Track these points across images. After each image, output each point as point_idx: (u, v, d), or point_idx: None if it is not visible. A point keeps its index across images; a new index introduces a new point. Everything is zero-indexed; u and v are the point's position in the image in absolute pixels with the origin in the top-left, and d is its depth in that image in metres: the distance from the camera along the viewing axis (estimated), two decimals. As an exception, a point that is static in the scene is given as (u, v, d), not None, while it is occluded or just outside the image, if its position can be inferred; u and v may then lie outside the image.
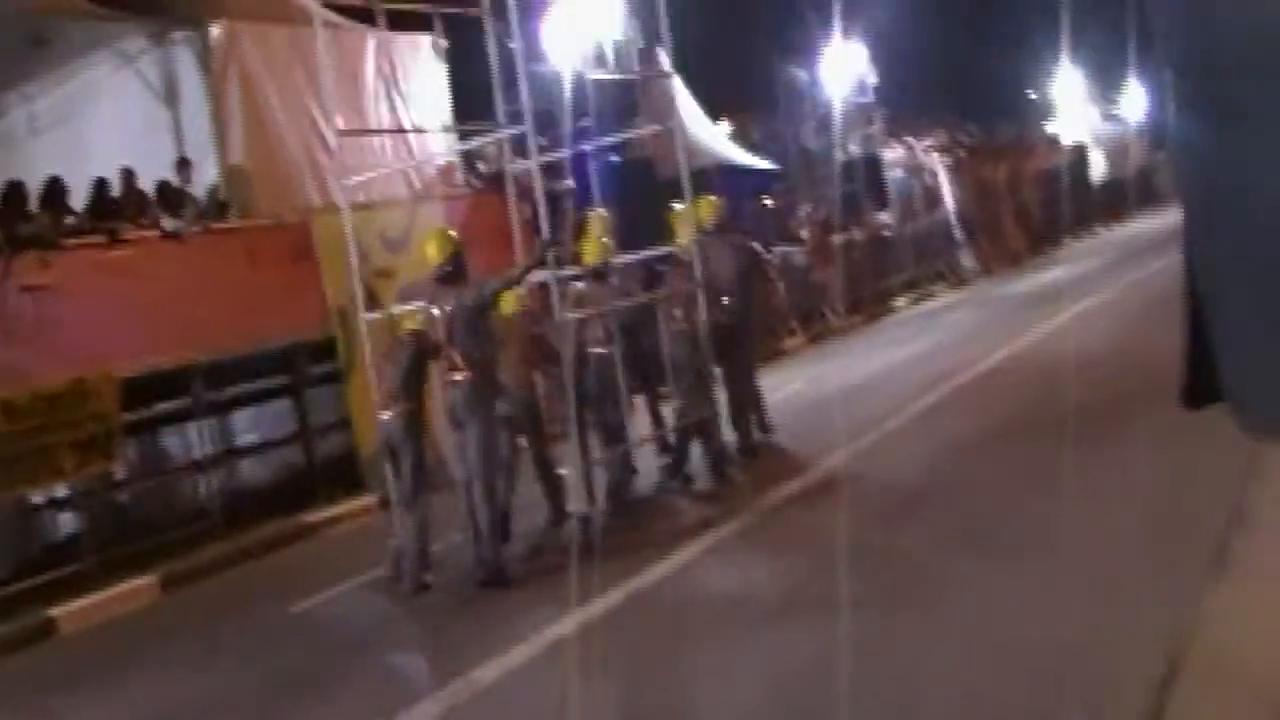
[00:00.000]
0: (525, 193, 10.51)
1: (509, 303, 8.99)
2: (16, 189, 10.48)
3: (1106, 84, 36.90)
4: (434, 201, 13.35)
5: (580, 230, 10.54)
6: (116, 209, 11.02)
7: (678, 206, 10.48)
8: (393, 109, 13.85)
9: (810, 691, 5.32)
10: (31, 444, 9.10)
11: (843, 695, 4.96)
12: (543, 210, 9.62)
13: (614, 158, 16.47)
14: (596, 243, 9.74)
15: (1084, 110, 35.26)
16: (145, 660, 7.99)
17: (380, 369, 8.70)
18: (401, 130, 13.69)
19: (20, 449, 9.04)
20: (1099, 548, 6.08)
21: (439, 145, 14.25)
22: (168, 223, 10.99)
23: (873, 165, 23.74)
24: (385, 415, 8.30)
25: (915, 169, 25.31)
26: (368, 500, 11.17)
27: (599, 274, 9.57)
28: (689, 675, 5.91)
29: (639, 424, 10.79)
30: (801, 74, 22.83)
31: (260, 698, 6.90)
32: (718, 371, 10.28)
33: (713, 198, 11.02)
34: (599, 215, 10.37)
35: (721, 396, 10.36)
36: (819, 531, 7.75)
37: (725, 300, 10.26)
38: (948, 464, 8.89)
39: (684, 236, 10.26)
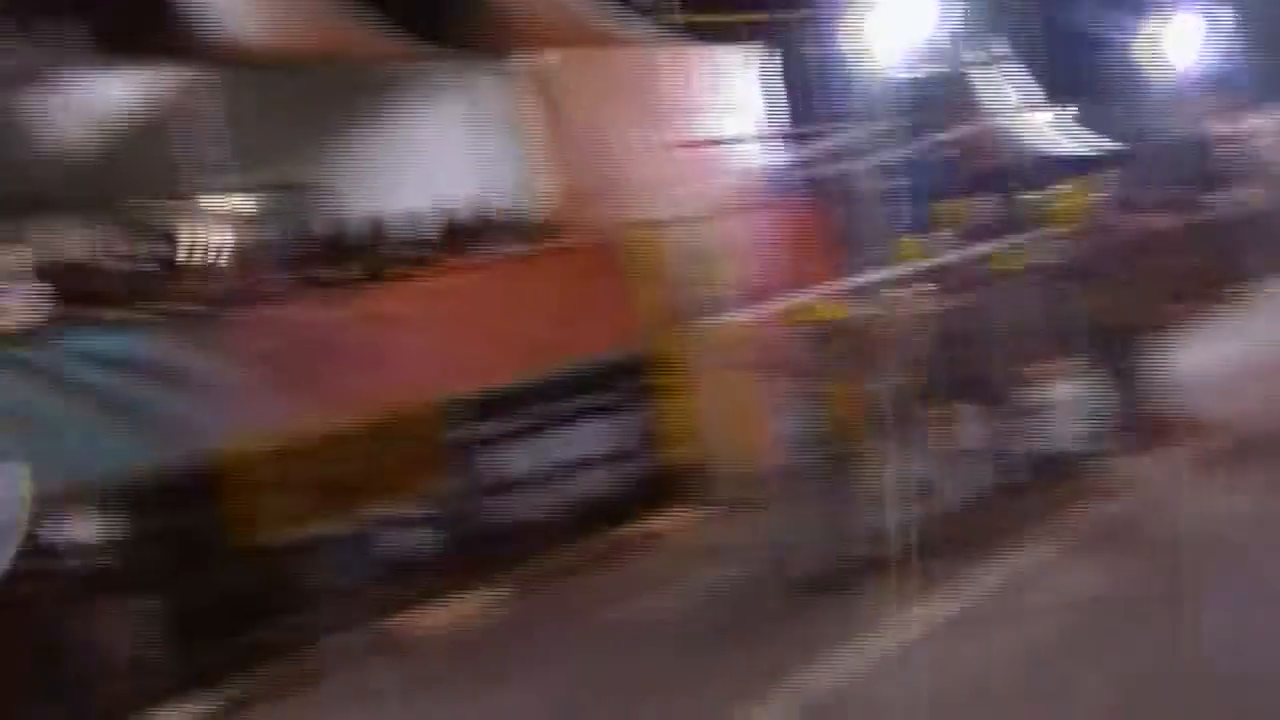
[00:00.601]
0: (841, 197, 10.30)
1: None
2: (362, 224, 11.22)
3: None
4: (747, 213, 13.29)
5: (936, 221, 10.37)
6: (445, 238, 11.55)
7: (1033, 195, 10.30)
8: (709, 122, 13.89)
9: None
10: (373, 464, 9.64)
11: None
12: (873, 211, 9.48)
13: (932, 154, 16.02)
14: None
15: None
16: (491, 669, 8.36)
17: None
18: (719, 142, 13.70)
19: (363, 469, 9.59)
20: None
21: (754, 156, 14.18)
22: (493, 247, 11.42)
23: (1211, 145, 22.10)
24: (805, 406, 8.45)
25: (1266, 146, 23.39)
26: (688, 513, 11.40)
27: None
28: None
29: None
30: (1135, 53, 21.54)
31: (613, 701, 7.22)
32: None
33: (1097, 176, 10.72)
34: (959, 206, 10.18)
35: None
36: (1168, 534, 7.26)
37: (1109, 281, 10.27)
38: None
39: (1071, 217, 10.21)
